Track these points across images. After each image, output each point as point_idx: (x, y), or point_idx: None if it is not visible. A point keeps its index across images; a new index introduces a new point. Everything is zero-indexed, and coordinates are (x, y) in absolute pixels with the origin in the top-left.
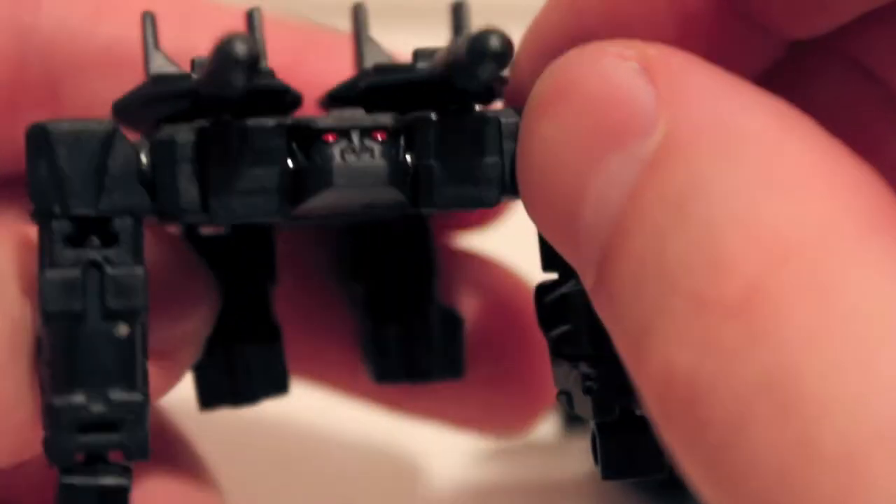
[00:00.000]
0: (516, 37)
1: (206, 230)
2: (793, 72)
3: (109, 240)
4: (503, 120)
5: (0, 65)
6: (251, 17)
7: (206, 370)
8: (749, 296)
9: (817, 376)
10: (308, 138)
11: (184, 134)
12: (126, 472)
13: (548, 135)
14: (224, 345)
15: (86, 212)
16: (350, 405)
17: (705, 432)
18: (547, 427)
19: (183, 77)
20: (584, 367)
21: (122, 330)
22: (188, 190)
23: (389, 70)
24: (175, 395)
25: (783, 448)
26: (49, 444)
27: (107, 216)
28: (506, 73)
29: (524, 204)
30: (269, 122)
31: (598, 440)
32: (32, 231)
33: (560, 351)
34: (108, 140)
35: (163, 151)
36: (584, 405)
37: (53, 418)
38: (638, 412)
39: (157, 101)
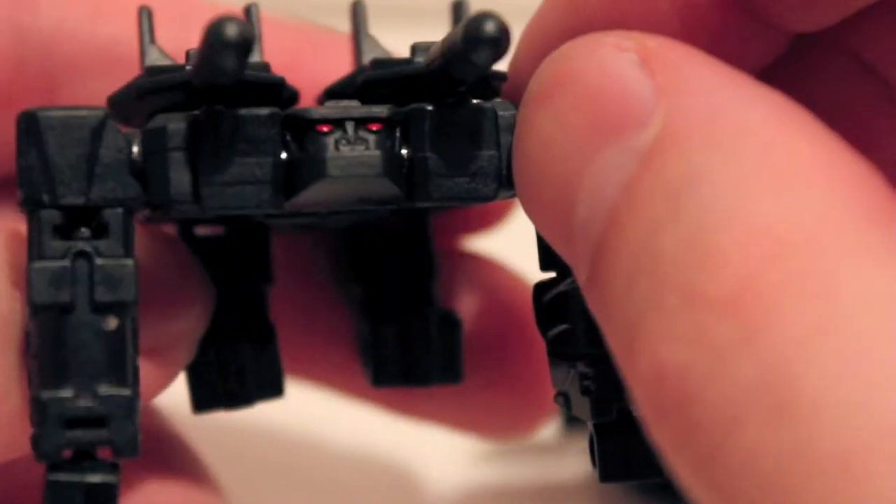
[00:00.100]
0: (516, 35)
1: (201, 230)
2: (795, 66)
3: (99, 231)
4: (500, 112)
5: None
6: (248, 13)
7: (199, 372)
8: (742, 292)
9: (812, 376)
10: (302, 128)
11: (175, 122)
12: (114, 469)
13: (544, 127)
14: (218, 345)
15: (75, 201)
16: (347, 407)
17: (696, 433)
18: (547, 427)
19: (177, 68)
20: (582, 367)
21: (112, 323)
22: (179, 179)
23: (386, 64)
24: (170, 398)
25: (777, 450)
26: (36, 440)
27: (97, 206)
28: (504, 69)
29: (519, 198)
30: (263, 111)
31: (595, 443)
32: (24, 226)
33: (558, 351)
34: (98, 128)
35: (154, 140)
36: (581, 406)
37: (40, 413)
38: (636, 413)
39: (151, 92)
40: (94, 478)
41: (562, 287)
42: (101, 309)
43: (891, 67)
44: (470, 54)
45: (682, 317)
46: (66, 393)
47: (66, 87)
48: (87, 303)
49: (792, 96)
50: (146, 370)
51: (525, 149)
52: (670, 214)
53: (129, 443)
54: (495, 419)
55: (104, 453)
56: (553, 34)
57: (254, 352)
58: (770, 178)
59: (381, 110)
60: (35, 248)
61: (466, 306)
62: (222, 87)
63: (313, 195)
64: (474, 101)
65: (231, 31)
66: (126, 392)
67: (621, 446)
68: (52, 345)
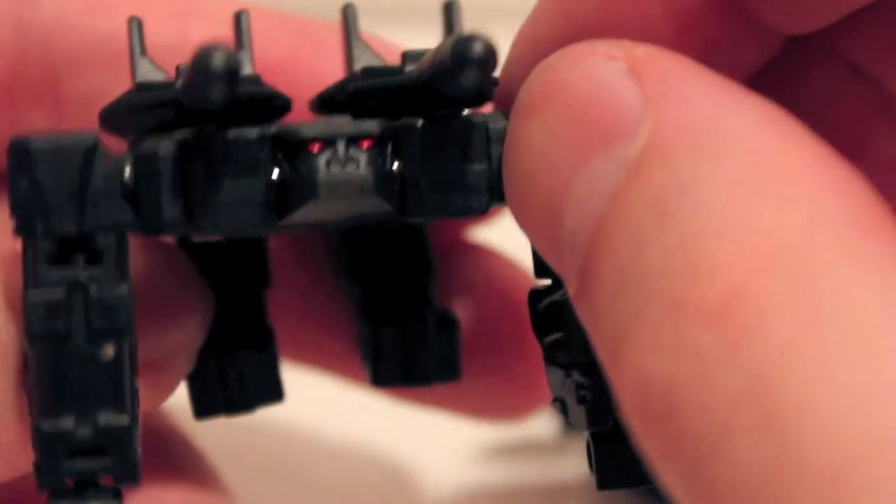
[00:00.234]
0: (510, 36)
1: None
2: (787, 69)
3: (93, 256)
4: (491, 125)
5: None
6: (238, 20)
7: (199, 379)
8: (729, 302)
9: (801, 386)
10: (293, 148)
11: (165, 147)
12: (116, 495)
13: (532, 137)
14: (217, 353)
15: (69, 229)
16: (346, 407)
17: (684, 443)
18: (547, 427)
19: (167, 86)
20: (578, 376)
21: (109, 351)
22: (172, 204)
23: (377, 74)
24: (172, 400)
25: (765, 460)
26: (38, 469)
27: (90, 233)
28: (497, 73)
29: (510, 208)
30: (252, 133)
31: (592, 451)
32: (18, 244)
33: (553, 358)
34: (89, 155)
35: (145, 165)
36: (578, 414)
37: (41, 443)
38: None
39: (141, 110)
40: None
41: (556, 297)
42: (98, 337)
43: (883, 70)
44: (457, 75)
45: (668, 327)
46: (66, 422)
47: (66, 81)
48: (84, 332)
49: (784, 98)
50: (147, 383)
51: (514, 159)
52: (656, 224)
53: (130, 471)
54: (492, 403)
55: (106, 480)
56: (545, 38)
57: (253, 357)
58: (756, 188)
59: (371, 127)
60: (30, 277)
61: (464, 295)
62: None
63: (305, 215)
64: (465, 111)
65: (217, 61)
66: (125, 420)
67: (618, 454)
68: (49, 374)
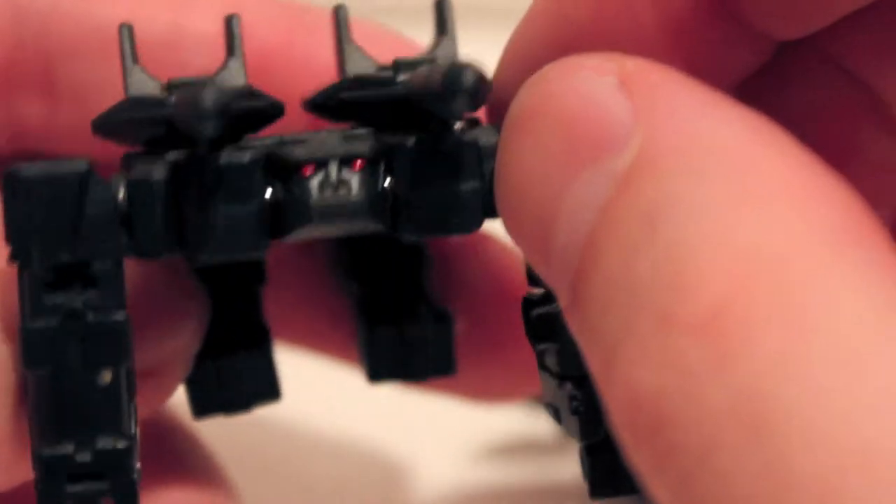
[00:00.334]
0: (504, 36)
1: None
2: (780, 74)
3: (90, 282)
4: (482, 142)
5: None
6: (229, 25)
7: (196, 379)
8: (715, 315)
9: (790, 399)
10: (285, 169)
11: (158, 172)
12: None
13: (523, 152)
14: (214, 353)
15: (64, 258)
16: (345, 407)
17: (673, 457)
18: (547, 427)
19: (158, 103)
20: (571, 388)
21: (106, 377)
22: (166, 229)
23: (368, 84)
24: (171, 399)
25: (753, 472)
26: (40, 494)
27: (85, 260)
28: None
29: (502, 222)
30: (245, 156)
31: (585, 460)
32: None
33: (546, 367)
34: (82, 183)
35: (138, 191)
36: (570, 424)
37: (41, 469)
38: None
39: (134, 125)
40: None
41: (549, 308)
42: (95, 364)
43: (875, 75)
44: (448, 103)
45: (656, 341)
46: (66, 449)
47: (62, 69)
48: (81, 359)
49: (776, 101)
50: (145, 389)
51: (506, 174)
52: (645, 238)
53: (128, 492)
54: (489, 387)
55: (107, 502)
56: (538, 42)
57: (249, 357)
58: (745, 201)
59: (363, 147)
60: (26, 304)
61: (461, 281)
62: None
63: (299, 236)
64: (457, 125)
65: (208, 101)
66: (123, 444)
67: (611, 464)
68: (48, 401)
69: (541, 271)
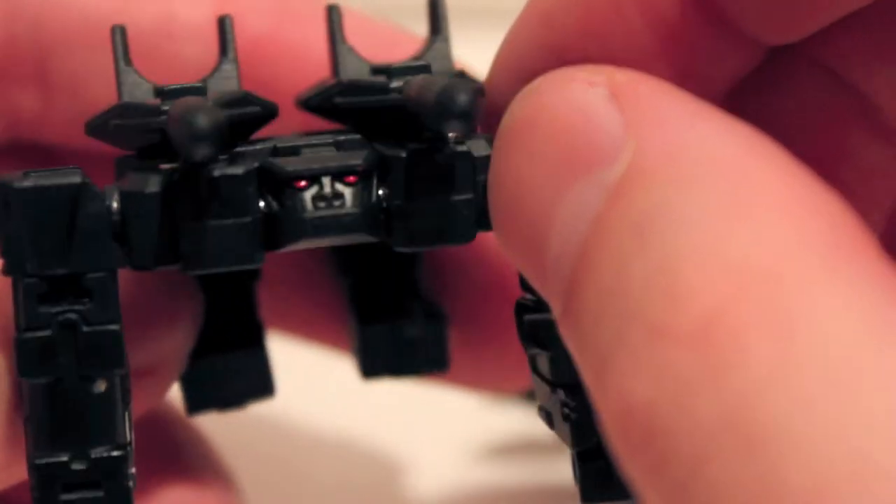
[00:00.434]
0: (496, 37)
1: None
2: (770, 79)
3: (84, 293)
4: (476, 154)
5: None
6: (223, 25)
7: (190, 377)
8: (706, 326)
9: (781, 411)
10: (279, 183)
11: (152, 184)
12: None
13: (516, 164)
14: (208, 349)
15: (57, 270)
16: (345, 406)
17: (665, 467)
18: (546, 427)
19: (151, 111)
20: (563, 395)
21: (101, 386)
22: (159, 242)
23: (362, 89)
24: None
25: (745, 484)
26: (36, 503)
27: (79, 273)
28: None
29: (495, 234)
30: (238, 169)
31: (576, 465)
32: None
33: (539, 372)
34: (76, 195)
35: (132, 203)
36: (563, 430)
37: (37, 478)
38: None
39: (126, 132)
40: None
41: (541, 316)
42: (89, 374)
43: (865, 79)
44: (441, 122)
45: (648, 352)
46: (61, 458)
47: (56, 60)
48: (75, 370)
49: (767, 108)
50: (140, 387)
51: (499, 186)
52: (637, 249)
53: (123, 501)
54: (484, 376)
55: None
56: (528, 50)
57: (244, 354)
58: (736, 212)
59: (356, 159)
60: (21, 315)
61: (452, 275)
62: None
63: (293, 248)
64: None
65: (202, 122)
66: (118, 452)
67: (602, 470)
68: (43, 412)
69: (534, 282)
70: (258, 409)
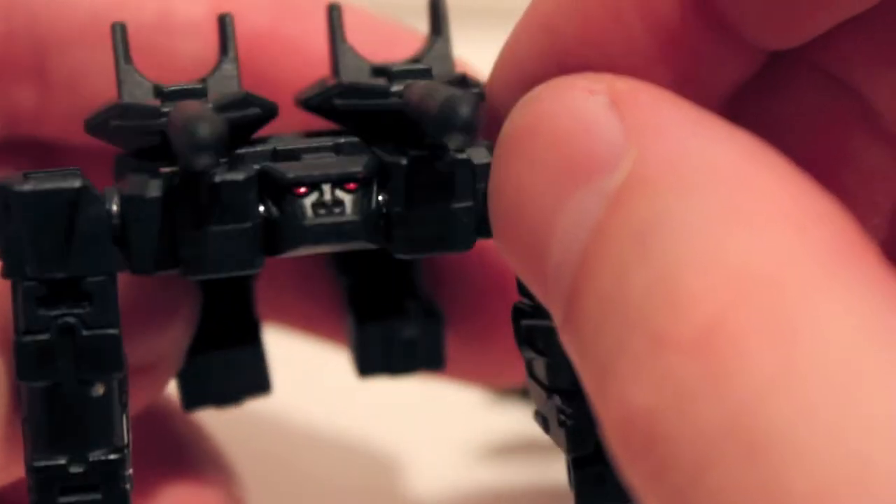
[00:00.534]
0: (499, 37)
1: None
2: (771, 83)
3: (83, 296)
4: (476, 162)
5: None
6: (223, 23)
7: (187, 373)
8: (706, 333)
9: (783, 417)
10: (279, 189)
11: (153, 188)
12: None
13: (516, 172)
14: (205, 346)
15: (57, 274)
16: (344, 406)
17: (666, 474)
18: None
19: (151, 113)
20: (559, 401)
21: (99, 389)
22: (159, 247)
23: (362, 92)
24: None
25: (747, 491)
26: None
27: (79, 277)
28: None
29: (496, 242)
30: (239, 175)
31: (572, 471)
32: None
33: (536, 376)
34: (75, 199)
35: (132, 208)
36: (558, 436)
37: (35, 481)
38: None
39: (126, 133)
40: None
41: (538, 322)
42: (88, 378)
43: (865, 83)
44: (442, 134)
45: (649, 359)
46: (59, 460)
47: (54, 56)
48: (73, 373)
49: (768, 112)
50: (138, 384)
51: (499, 194)
52: (637, 257)
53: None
54: (481, 369)
55: None
56: (528, 56)
57: (240, 351)
58: (736, 220)
59: (356, 165)
60: (20, 319)
61: (449, 270)
62: None
63: (292, 254)
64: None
65: (203, 132)
66: (115, 455)
67: (597, 475)
68: (41, 414)
69: (534, 289)
70: (259, 410)
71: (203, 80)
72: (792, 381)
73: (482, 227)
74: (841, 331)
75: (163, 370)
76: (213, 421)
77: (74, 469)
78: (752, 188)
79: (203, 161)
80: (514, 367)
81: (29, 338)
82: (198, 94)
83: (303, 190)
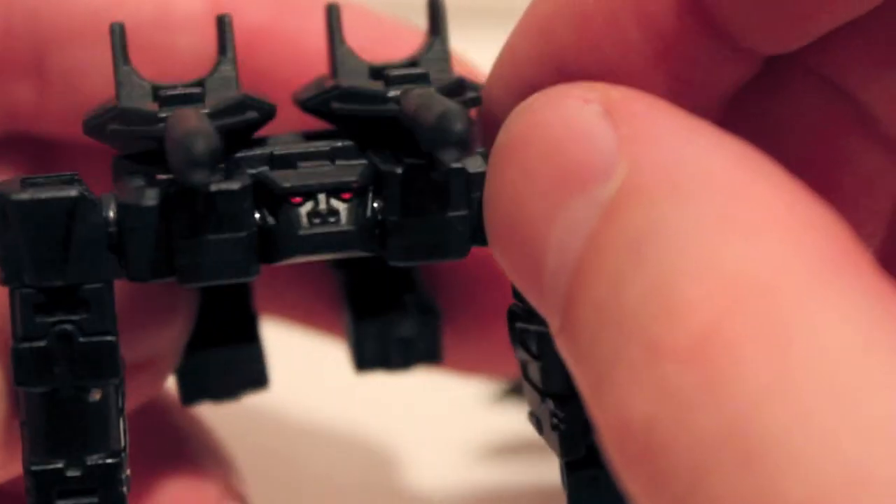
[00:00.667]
0: (498, 37)
1: None
2: (767, 88)
3: (80, 303)
4: (471, 171)
5: None
6: (222, 23)
7: (186, 369)
8: (702, 341)
9: (779, 425)
10: (275, 198)
11: (150, 197)
12: None
13: (511, 181)
14: (203, 342)
15: (55, 282)
16: (344, 405)
17: (664, 482)
18: None
19: (148, 119)
20: (552, 405)
21: (96, 395)
22: (155, 255)
23: (360, 97)
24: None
25: (746, 497)
26: None
27: (76, 284)
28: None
29: (492, 250)
30: (235, 184)
31: (565, 475)
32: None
33: (530, 379)
34: (73, 207)
35: (129, 215)
36: (551, 439)
37: (32, 485)
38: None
39: (124, 137)
40: None
41: (533, 327)
42: (85, 384)
43: (861, 88)
44: (437, 148)
45: (646, 368)
46: (56, 465)
47: (52, 55)
48: (70, 380)
49: (765, 117)
50: (136, 382)
51: (495, 203)
52: (632, 266)
53: None
54: (479, 363)
55: None
56: (525, 63)
57: (238, 346)
58: (731, 228)
59: (352, 174)
60: (17, 325)
61: (447, 265)
62: None
63: (288, 262)
64: None
65: (200, 148)
66: (112, 459)
67: (590, 479)
68: (39, 419)
69: (530, 297)
70: (257, 405)
71: (201, 83)
72: (787, 388)
73: (477, 236)
74: (836, 338)
75: (161, 367)
76: (212, 416)
77: (72, 473)
78: (747, 196)
79: (198, 177)
80: (512, 359)
81: (26, 344)
82: (195, 98)
83: (298, 199)
